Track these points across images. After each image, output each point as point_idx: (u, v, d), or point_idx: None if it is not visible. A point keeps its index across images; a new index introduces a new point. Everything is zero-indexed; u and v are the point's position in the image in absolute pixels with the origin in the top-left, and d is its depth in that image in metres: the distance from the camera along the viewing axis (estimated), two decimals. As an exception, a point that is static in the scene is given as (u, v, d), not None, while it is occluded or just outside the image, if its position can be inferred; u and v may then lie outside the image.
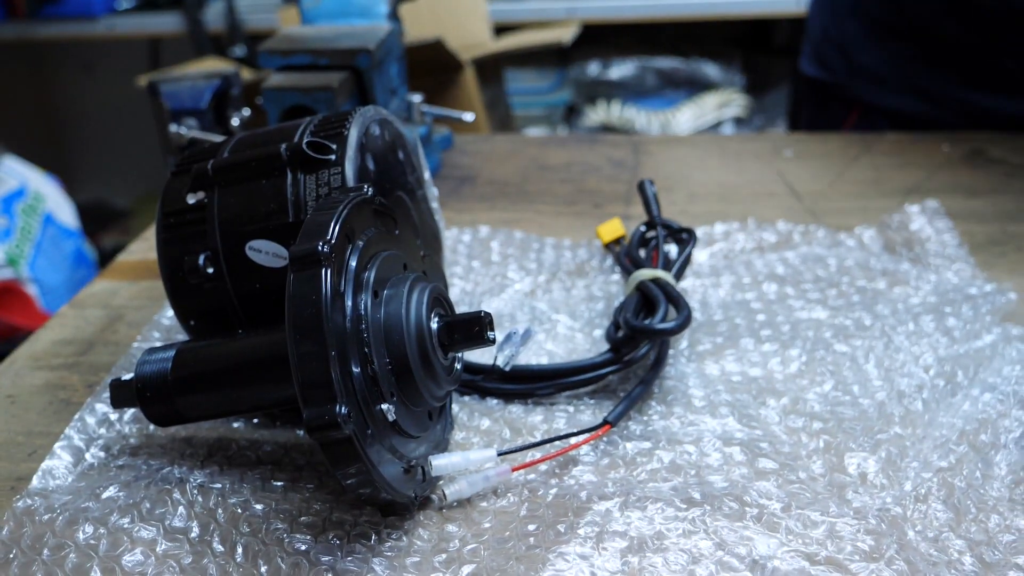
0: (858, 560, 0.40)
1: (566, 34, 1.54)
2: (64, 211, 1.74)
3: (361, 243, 0.43)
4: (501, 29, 1.72)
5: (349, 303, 0.40)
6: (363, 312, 0.41)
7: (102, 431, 0.51)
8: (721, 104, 1.90)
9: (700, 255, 0.69)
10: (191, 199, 0.50)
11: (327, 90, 0.72)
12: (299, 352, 0.38)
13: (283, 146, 0.49)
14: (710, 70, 1.94)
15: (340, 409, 0.38)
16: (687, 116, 1.87)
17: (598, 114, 1.94)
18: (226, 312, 0.49)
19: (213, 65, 1.68)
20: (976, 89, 0.94)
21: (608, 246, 0.68)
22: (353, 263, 0.42)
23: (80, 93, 2.47)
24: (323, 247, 0.39)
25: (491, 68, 1.54)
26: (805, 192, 0.81)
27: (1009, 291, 0.60)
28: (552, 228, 0.75)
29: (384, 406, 0.41)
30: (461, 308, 0.63)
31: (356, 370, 0.40)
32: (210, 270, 0.49)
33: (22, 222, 1.60)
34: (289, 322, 0.39)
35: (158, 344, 0.58)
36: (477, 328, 0.44)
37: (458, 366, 0.47)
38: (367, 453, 0.39)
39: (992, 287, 0.61)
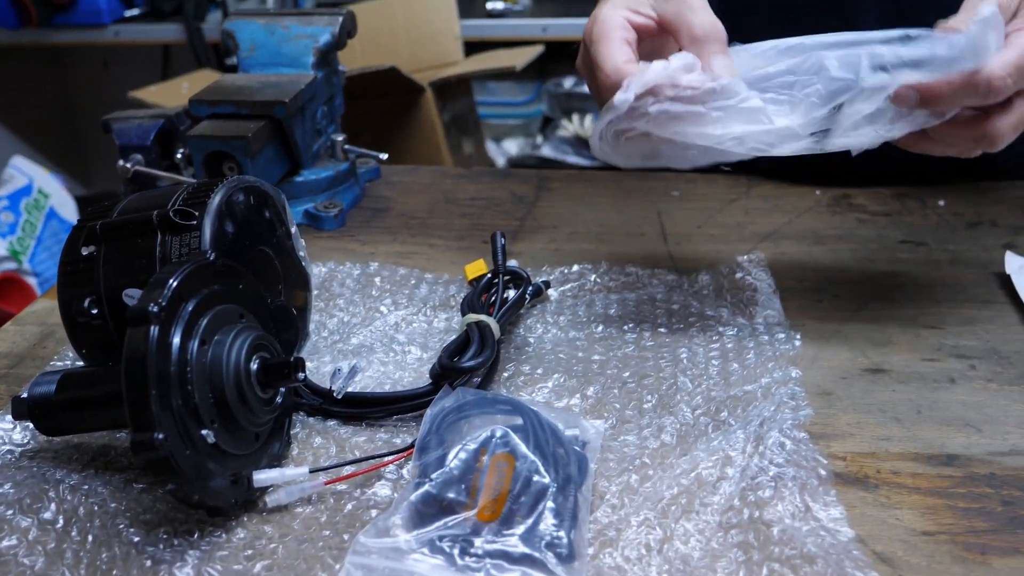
0: None
1: (520, 59, 1.64)
2: (67, 207, 1.88)
3: (196, 300, 0.54)
4: (478, 45, 1.83)
5: (176, 350, 0.51)
6: (189, 357, 0.52)
7: (13, 435, 0.63)
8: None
9: (554, 293, 0.79)
10: (84, 251, 0.61)
11: (242, 139, 0.84)
12: (127, 391, 0.49)
13: (155, 212, 0.60)
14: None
15: (157, 435, 0.49)
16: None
17: (572, 126, 2.04)
18: (109, 345, 0.61)
19: (207, 77, 1.80)
20: None
21: (471, 283, 0.78)
22: (186, 316, 0.53)
23: (98, 89, 2.61)
24: (153, 307, 0.51)
25: (457, 86, 1.65)
26: (674, 233, 0.90)
27: (796, 339, 0.70)
28: (438, 262, 0.86)
29: (204, 431, 0.52)
30: (334, 338, 0.74)
31: (178, 403, 0.51)
32: (94, 311, 0.60)
33: (27, 217, 1.74)
34: (123, 367, 0.50)
35: (69, 362, 0.70)
36: (287, 370, 0.55)
37: (279, 399, 0.58)
38: (183, 469, 0.50)
39: (785, 335, 0.71)
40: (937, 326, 0.74)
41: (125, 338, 0.50)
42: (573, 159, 2.09)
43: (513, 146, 2.17)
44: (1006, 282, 0.79)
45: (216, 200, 0.61)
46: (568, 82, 2.04)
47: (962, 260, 0.84)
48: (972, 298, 0.78)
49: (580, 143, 2.00)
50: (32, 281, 1.69)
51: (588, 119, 2.01)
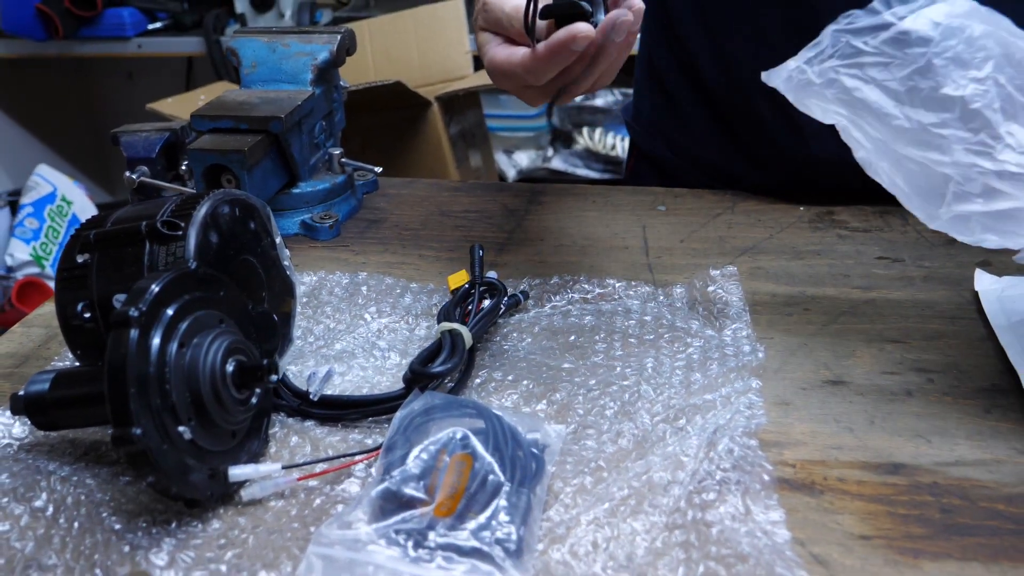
0: None
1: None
2: (89, 214, 1.94)
3: (176, 305, 0.58)
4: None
5: (155, 352, 0.55)
6: (168, 358, 0.56)
7: (13, 429, 0.67)
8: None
9: (532, 304, 0.82)
10: (79, 259, 0.66)
11: (239, 152, 0.88)
12: (109, 389, 0.53)
13: (144, 223, 0.64)
14: (689, 101, 2.07)
15: (135, 431, 0.53)
16: (664, 144, 2.00)
17: (582, 139, 2.07)
18: (100, 347, 0.64)
19: (224, 88, 1.85)
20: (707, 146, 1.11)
21: (453, 293, 0.81)
22: (166, 320, 0.57)
23: (122, 99, 2.68)
24: (134, 311, 0.54)
25: (465, 99, 1.69)
26: (656, 247, 0.93)
27: (760, 351, 0.73)
28: (426, 273, 0.89)
29: (181, 428, 0.56)
30: (319, 343, 0.78)
31: (156, 402, 0.55)
32: (87, 315, 0.64)
33: (50, 224, 1.80)
34: (105, 367, 0.54)
35: (69, 362, 0.75)
36: (260, 373, 0.59)
37: (254, 400, 0.61)
38: (160, 463, 0.54)
39: (750, 347, 0.73)
40: (902, 340, 0.76)
41: (108, 341, 0.54)
42: (583, 172, 2.12)
43: (524, 158, 2.21)
44: (976, 299, 0.81)
45: (201, 212, 0.65)
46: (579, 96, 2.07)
47: (935, 277, 0.87)
48: (940, 314, 0.80)
49: (590, 155, 2.03)
50: (53, 285, 1.75)
51: (598, 132, 2.04)
